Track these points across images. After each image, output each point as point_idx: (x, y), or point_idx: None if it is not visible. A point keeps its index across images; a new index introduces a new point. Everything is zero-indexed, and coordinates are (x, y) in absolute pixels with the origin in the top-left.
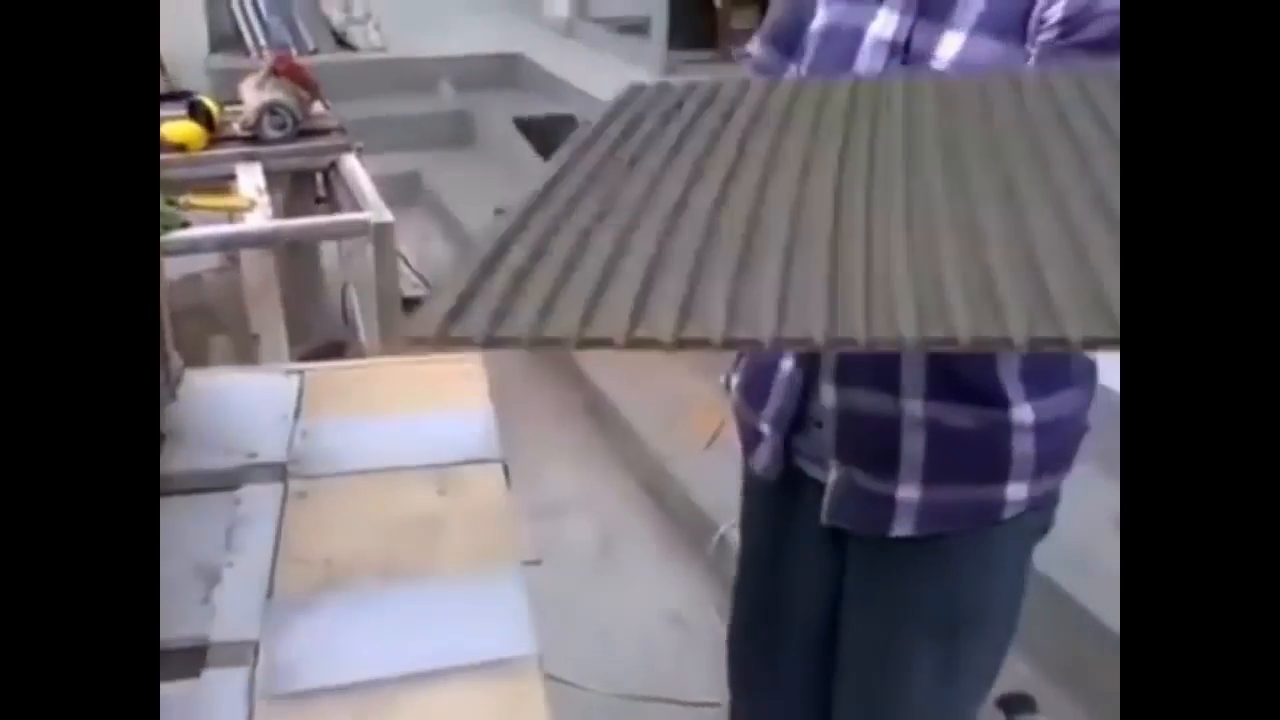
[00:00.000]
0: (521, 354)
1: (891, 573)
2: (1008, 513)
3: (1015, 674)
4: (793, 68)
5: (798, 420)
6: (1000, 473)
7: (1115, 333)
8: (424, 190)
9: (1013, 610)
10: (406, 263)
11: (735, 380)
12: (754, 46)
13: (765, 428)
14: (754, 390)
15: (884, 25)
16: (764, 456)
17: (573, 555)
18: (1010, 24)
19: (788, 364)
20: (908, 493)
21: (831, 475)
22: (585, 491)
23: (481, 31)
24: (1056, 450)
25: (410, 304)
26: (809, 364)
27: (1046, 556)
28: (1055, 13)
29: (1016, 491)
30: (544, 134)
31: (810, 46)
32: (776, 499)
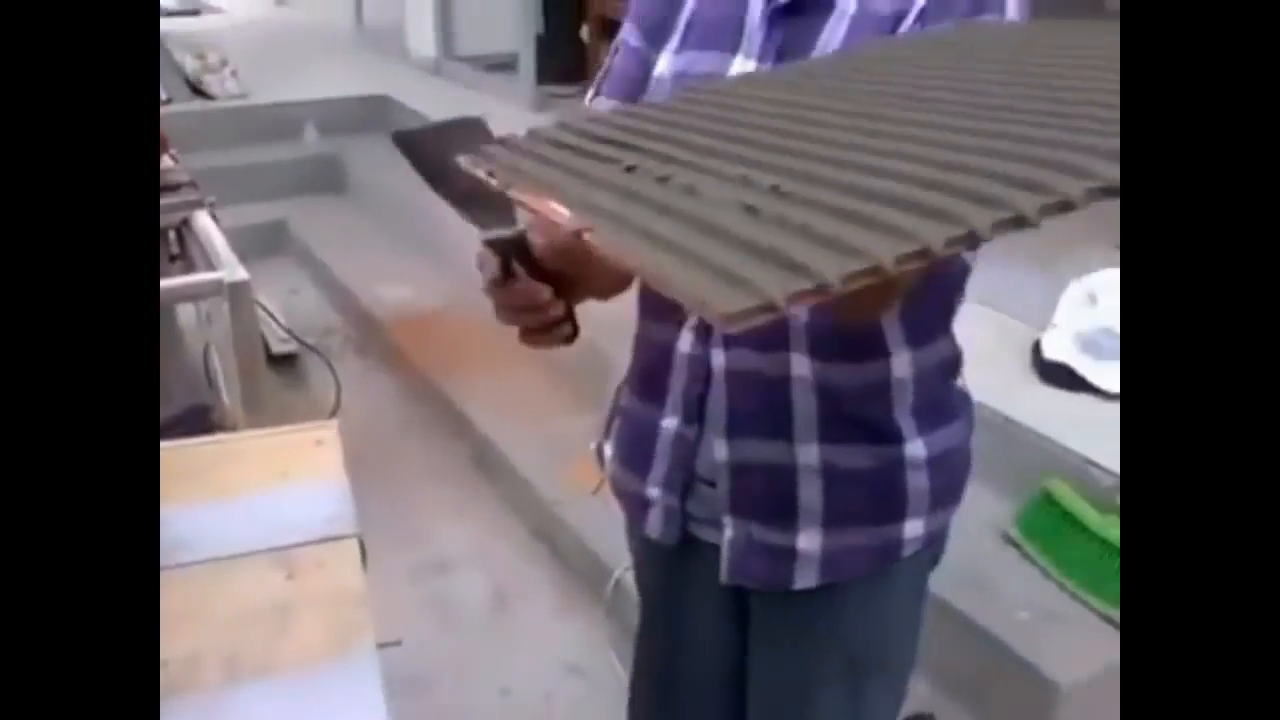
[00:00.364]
0: (404, 409)
1: (796, 624)
2: (906, 551)
3: (916, 694)
4: None
5: (688, 482)
6: (897, 511)
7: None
8: (291, 239)
9: (913, 643)
10: (273, 317)
11: (609, 449)
12: (599, 103)
13: (654, 492)
14: (634, 456)
15: (742, 70)
16: (656, 523)
17: (467, 612)
18: None
19: (671, 423)
20: (808, 542)
21: (728, 533)
22: (476, 545)
23: (346, 74)
24: (948, 483)
25: (278, 360)
26: (696, 421)
27: (939, 577)
28: None
29: (913, 529)
30: (436, 144)
31: (657, 91)
32: (671, 563)
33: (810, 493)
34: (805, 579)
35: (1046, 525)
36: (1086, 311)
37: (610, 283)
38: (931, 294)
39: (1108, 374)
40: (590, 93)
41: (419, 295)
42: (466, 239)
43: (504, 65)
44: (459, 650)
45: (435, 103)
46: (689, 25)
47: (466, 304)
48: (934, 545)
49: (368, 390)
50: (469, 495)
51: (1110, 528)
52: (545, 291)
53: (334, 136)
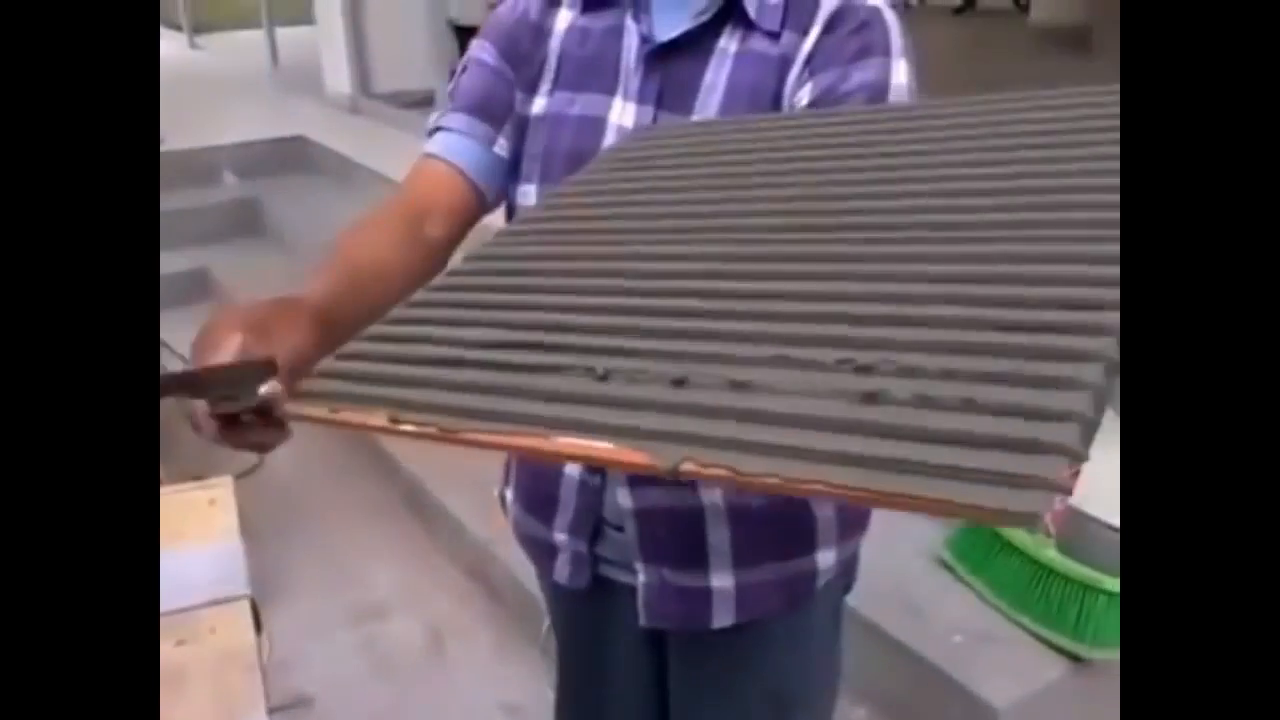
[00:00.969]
0: (333, 451)
1: (716, 662)
2: (820, 581)
3: (853, 718)
4: (500, 141)
5: (596, 526)
6: (807, 543)
7: None
8: (214, 286)
9: (834, 672)
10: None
11: (510, 494)
12: (450, 120)
13: (561, 538)
14: (538, 502)
15: (623, 114)
16: (565, 569)
17: (402, 656)
18: (759, 111)
19: (574, 470)
20: (722, 582)
21: (641, 578)
22: (410, 588)
23: (262, 116)
24: (854, 511)
25: None
26: (599, 469)
27: (869, 601)
28: (804, 96)
29: (825, 559)
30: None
31: (534, 132)
32: (586, 607)
33: (718, 534)
34: (723, 618)
35: (978, 547)
36: None
37: None
38: None
39: None
40: (433, 117)
41: None
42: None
43: (421, 102)
44: (395, 695)
45: (353, 141)
46: (560, 63)
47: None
48: (847, 573)
49: (297, 434)
50: (401, 538)
51: (1042, 548)
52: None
53: (252, 180)
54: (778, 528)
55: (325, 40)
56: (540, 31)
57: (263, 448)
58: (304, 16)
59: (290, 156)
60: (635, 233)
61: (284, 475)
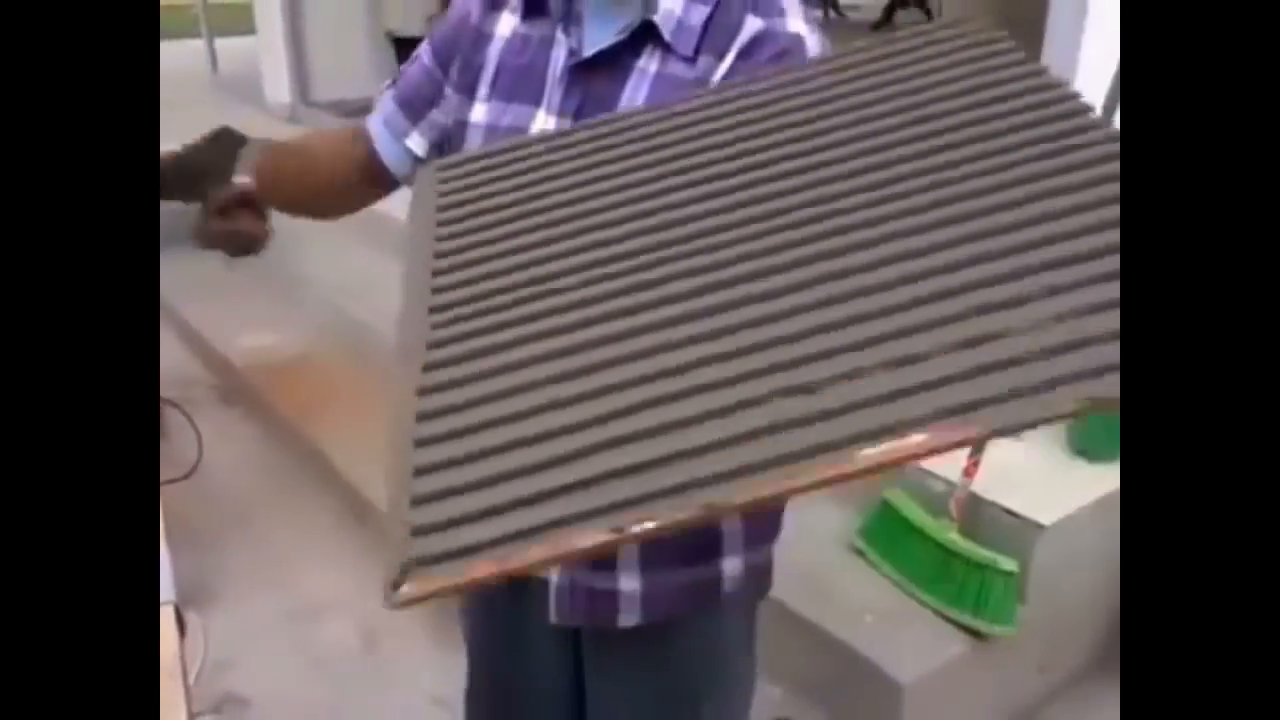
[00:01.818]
0: (270, 457)
1: (628, 662)
2: (727, 587)
3: (770, 698)
4: (415, 135)
5: None
6: (713, 550)
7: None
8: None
9: (750, 675)
10: None
11: None
12: (382, 102)
13: None
14: None
15: (543, 127)
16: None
17: (338, 655)
18: None
19: None
20: (629, 584)
21: (553, 579)
22: (346, 590)
23: (201, 124)
24: (761, 521)
25: None
26: None
27: (784, 586)
28: None
29: (732, 566)
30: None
31: (472, 138)
32: (498, 607)
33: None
34: (629, 618)
35: (887, 532)
36: None
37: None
38: None
39: None
40: (387, 87)
41: (281, 342)
42: (328, 282)
43: (360, 110)
44: (330, 694)
45: None
46: (496, 72)
47: (330, 348)
48: (759, 580)
49: (233, 440)
50: (337, 541)
51: (945, 531)
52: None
53: None
54: (684, 536)
55: (265, 50)
56: (480, 35)
57: (254, 239)
58: (243, 27)
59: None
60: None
61: (220, 481)
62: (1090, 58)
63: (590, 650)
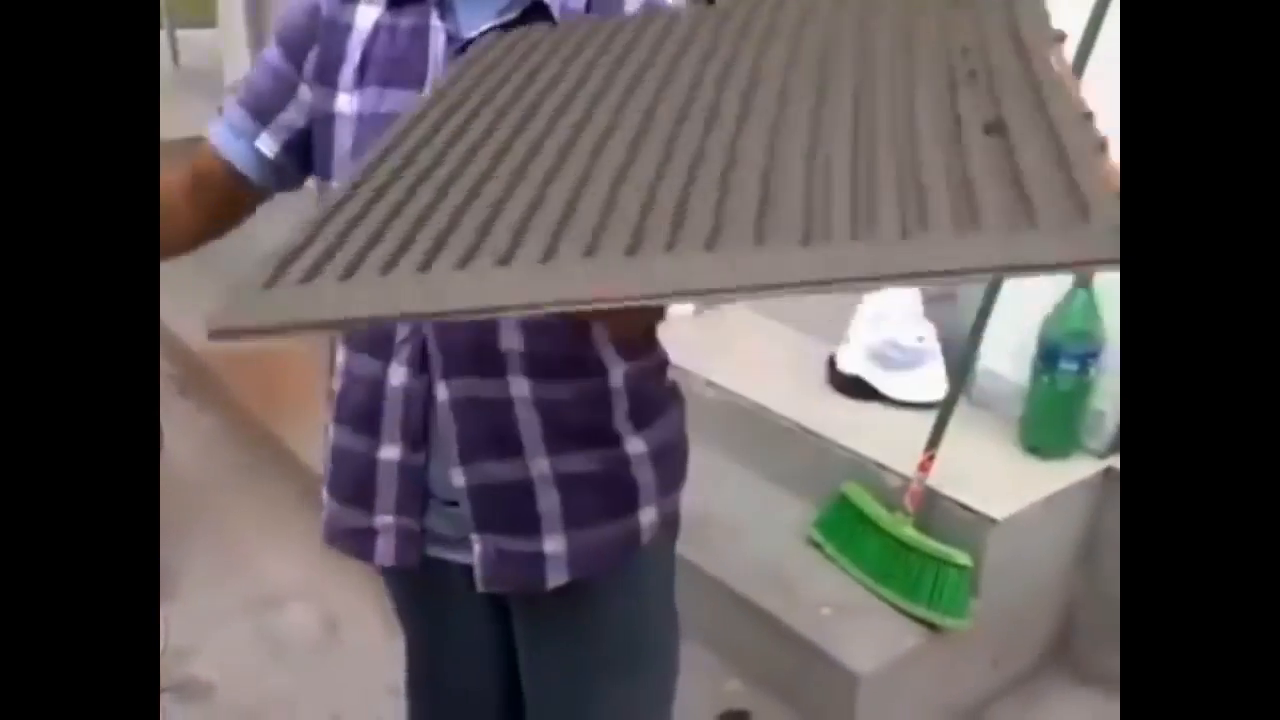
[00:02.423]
0: (232, 447)
1: (557, 621)
2: (645, 537)
3: (729, 691)
4: (264, 136)
5: (424, 504)
6: (631, 503)
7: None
8: None
9: (673, 622)
10: None
11: (325, 496)
12: (227, 109)
13: (383, 520)
14: (354, 492)
15: None
16: (388, 550)
17: (298, 643)
18: None
19: (391, 453)
20: (554, 546)
21: (477, 549)
22: (306, 579)
23: (164, 116)
24: (671, 469)
25: None
26: (422, 448)
27: (743, 579)
28: None
29: (648, 516)
30: None
31: (341, 128)
32: (421, 585)
33: (548, 501)
34: (556, 578)
35: (843, 525)
36: (876, 326)
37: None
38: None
39: (895, 383)
40: (230, 95)
41: None
42: None
43: None
44: (290, 681)
45: None
46: (364, 62)
47: (289, 340)
48: (671, 526)
49: (193, 430)
50: (298, 531)
51: (900, 525)
52: None
53: None
54: (602, 491)
55: (227, 42)
56: (335, 26)
57: None
58: (205, 19)
59: (190, 156)
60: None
61: (183, 469)
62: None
63: (520, 620)
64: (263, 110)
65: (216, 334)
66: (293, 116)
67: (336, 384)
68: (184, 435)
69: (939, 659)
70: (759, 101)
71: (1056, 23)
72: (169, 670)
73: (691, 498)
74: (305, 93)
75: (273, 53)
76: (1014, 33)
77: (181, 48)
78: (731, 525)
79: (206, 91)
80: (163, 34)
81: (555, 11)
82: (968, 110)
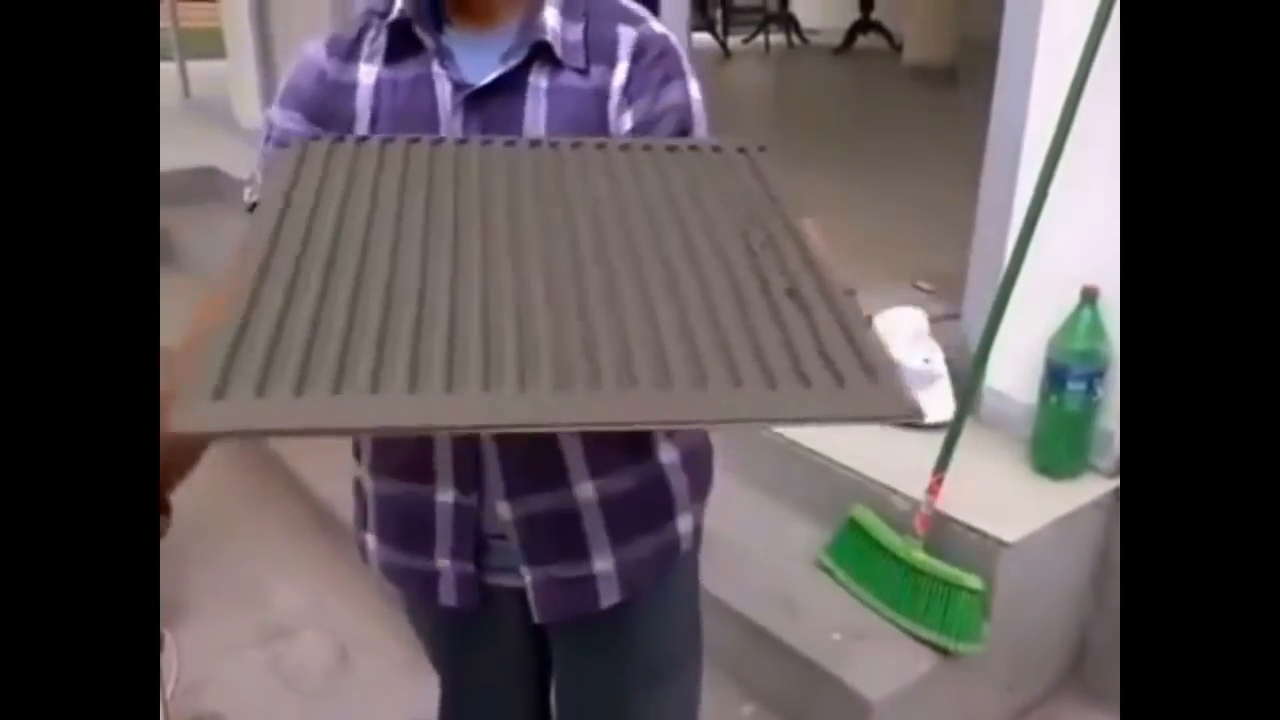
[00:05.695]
0: (244, 474)
1: (595, 643)
2: (684, 546)
3: (743, 717)
4: None
5: (479, 542)
6: (669, 512)
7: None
8: None
9: (699, 634)
10: None
11: (373, 542)
12: (276, 114)
13: (444, 563)
14: (411, 535)
15: None
16: (452, 592)
17: (310, 673)
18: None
19: (447, 496)
20: (603, 565)
21: (528, 579)
22: (319, 607)
23: (173, 146)
24: (700, 475)
25: None
26: (474, 489)
27: (754, 604)
28: (625, 122)
29: (684, 524)
30: None
31: None
32: (473, 623)
33: (594, 523)
34: (609, 597)
35: (853, 550)
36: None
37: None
38: None
39: None
40: (246, 190)
41: None
42: None
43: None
44: (303, 712)
45: None
46: (374, 118)
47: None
48: (698, 536)
49: (207, 458)
50: (310, 558)
51: (910, 549)
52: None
53: (163, 209)
54: (642, 503)
55: (236, 73)
56: (340, 87)
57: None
58: (215, 50)
59: (201, 187)
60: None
61: (195, 498)
62: (1043, 80)
63: (560, 643)
64: (320, 119)
65: (178, 437)
66: None
67: (379, 439)
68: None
69: (952, 684)
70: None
71: (1058, 31)
72: (180, 704)
73: None
74: None
75: (296, 121)
76: (775, 202)
77: (192, 80)
78: (740, 549)
79: (216, 122)
80: (174, 66)
81: (558, 51)
82: (773, 276)
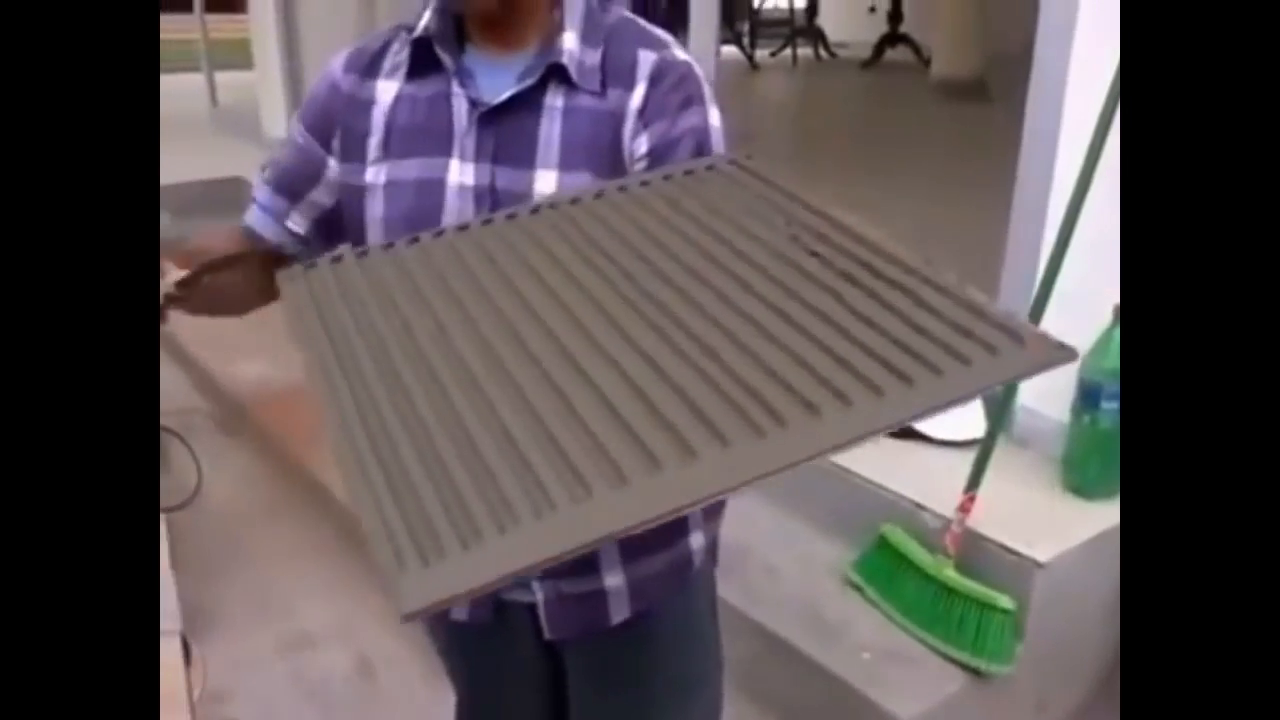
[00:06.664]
0: (262, 484)
1: (614, 661)
2: (696, 561)
3: None
4: (294, 215)
5: None
6: (681, 529)
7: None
8: None
9: (718, 651)
10: None
11: None
12: (258, 192)
13: None
14: None
15: (461, 174)
16: (463, 606)
17: (333, 685)
18: (600, 158)
19: None
20: (614, 581)
21: (539, 595)
22: (342, 619)
23: (200, 157)
24: None
25: None
26: None
27: (783, 621)
28: (641, 145)
29: (697, 540)
30: None
31: (373, 199)
32: (488, 638)
33: None
34: (619, 613)
35: (883, 568)
36: None
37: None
38: None
39: (933, 422)
40: (260, 175)
41: (280, 372)
42: None
43: None
44: None
45: None
46: (388, 133)
47: None
48: (714, 552)
49: (231, 468)
50: (334, 570)
51: (941, 567)
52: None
53: (189, 220)
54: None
55: (263, 84)
56: (358, 103)
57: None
58: (242, 61)
59: (227, 197)
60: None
61: (218, 510)
62: (1075, 96)
63: (576, 660)
64: (292, 191)
65: (409, 617)
66: (321, 196)
67: None
68: (221, 473)
69: (982, 704)
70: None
71: (1091, 45)
72: (204, 713)
73: (727, 537)
74: (333, 171)
75: (298, 131)
76: (795, 198)
77: (219, 89)
78: (768, 565)
79: (243, 132)
80: (201, 76)
81: (573, 73)
82: (850, 267)
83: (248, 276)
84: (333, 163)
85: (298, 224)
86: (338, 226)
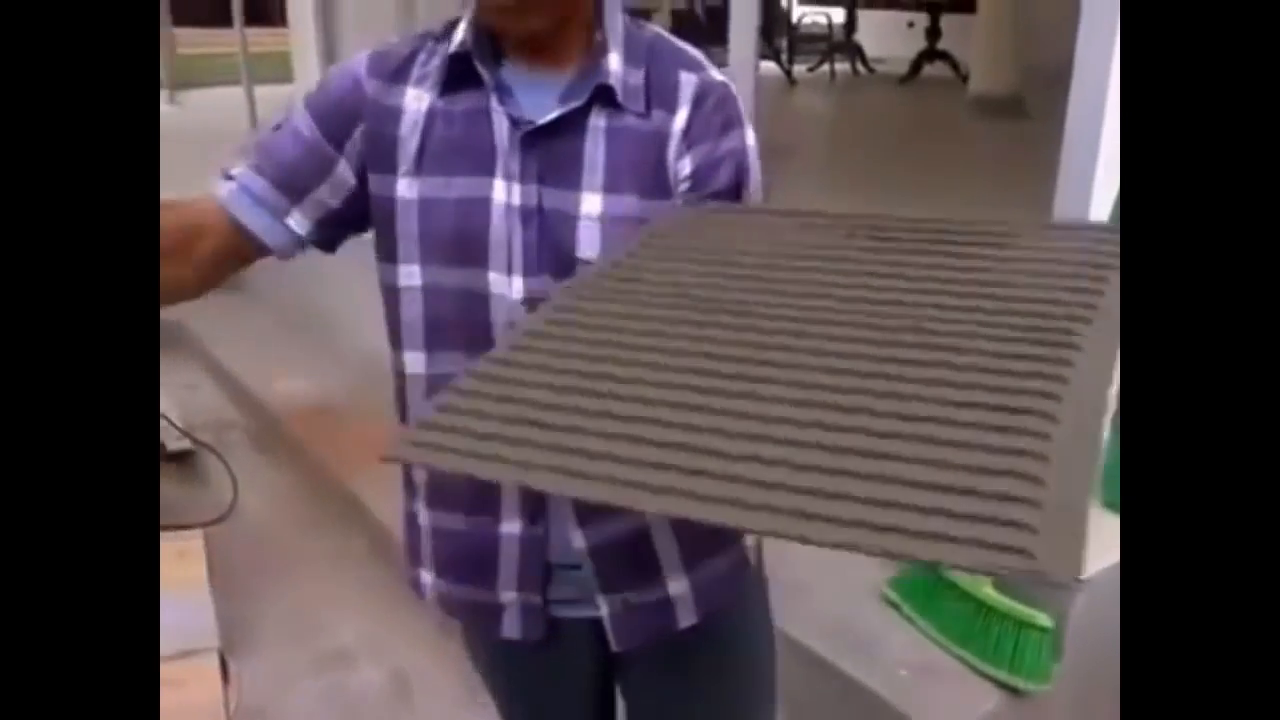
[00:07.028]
0: (301, 501)
1: (676, 668)
2: (752, 558)
3: None
4: (296, 215)
5: (546, 573)
6: (736, 531)
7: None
8: (188, 336)
9: (774, 654)
10: (166, 417)
11: (428, 577)
12: (248, 178)
13: (508, 595)
14: (471, 569)
15: (507, 193)
16: (516, 624)
17: (370, 703)
18: (645, 180)
19: (513, 528)
20: (678, 587)
21: (605, 609)
22: (378, 636)
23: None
24: None
25: (176, 458)
26: (542, 519)
27: (820, 638)
28: (685, 166)
29: (751, 537)
30: None
31: (405, 214)
32: (538, 655)
33: (665, 542)
34: (686, 618)
35: (920, 585)
36: None
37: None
38: None
39: None
40: (245, 161)
41: (316, 388)
42: (363, 331)
43: None
44: None
45: None
46: (423, 147)
47: (362, 396)
48: (760, 551)
49: (267, 484)
50: (369, 586)
51: (979, 584)
52: None
53: None
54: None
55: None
56: (382, 107)
57: None
58: (282, 74)
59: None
60: (679, 323)
61: (253, 525)
62: (1114, 113)
63: (636, 672)
64: (294, 187)
65: (388, 459)
66: (326, 195)
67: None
68: (256, 489)
69: None
70: None
71: None
72: None
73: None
74: (344, 173)
75: (304, 123)
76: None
77: (259, 103)
78: (802, 581)
79: None
80: (240, 91)
81: (620, 95)
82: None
83: (188, 253)
84: (343, 163)
85: (299, 224)
86: (341, 231)
